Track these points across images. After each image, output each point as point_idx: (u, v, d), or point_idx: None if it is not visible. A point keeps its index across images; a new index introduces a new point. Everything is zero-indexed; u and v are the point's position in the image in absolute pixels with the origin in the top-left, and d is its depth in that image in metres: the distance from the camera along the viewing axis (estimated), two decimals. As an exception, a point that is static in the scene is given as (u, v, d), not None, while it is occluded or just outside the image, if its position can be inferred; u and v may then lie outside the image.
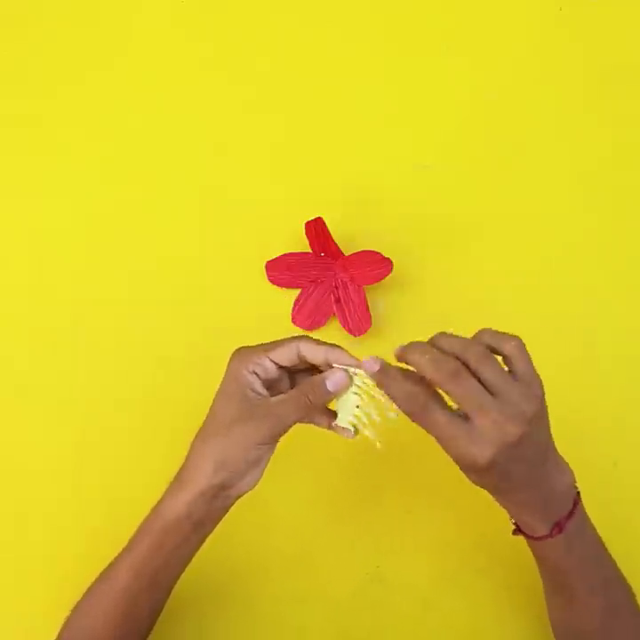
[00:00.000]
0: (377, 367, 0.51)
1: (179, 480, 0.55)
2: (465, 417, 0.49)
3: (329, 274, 0.72)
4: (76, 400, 0.71)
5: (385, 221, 0.74)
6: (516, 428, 0.48)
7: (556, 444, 0.72)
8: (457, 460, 0.51)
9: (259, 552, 0.69)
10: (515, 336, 0.52)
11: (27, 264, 0.74)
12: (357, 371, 0.52)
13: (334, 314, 0.72)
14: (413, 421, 0.51)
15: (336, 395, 0.53)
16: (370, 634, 0.68)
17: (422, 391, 0.50)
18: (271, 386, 0.55)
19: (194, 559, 0.64)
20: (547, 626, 0.62)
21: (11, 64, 0.77)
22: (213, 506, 0.54)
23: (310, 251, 0.72)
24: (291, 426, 0.53)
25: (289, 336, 0.55)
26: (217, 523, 0.57)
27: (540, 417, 0.50)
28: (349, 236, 0.72)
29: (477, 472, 0.51)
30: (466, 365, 0.49)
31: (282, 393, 0.54)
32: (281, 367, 0.54)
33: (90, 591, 0.60)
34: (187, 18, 0.78)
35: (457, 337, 0.51)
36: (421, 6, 0.78)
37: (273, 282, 0.73)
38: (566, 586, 0.57)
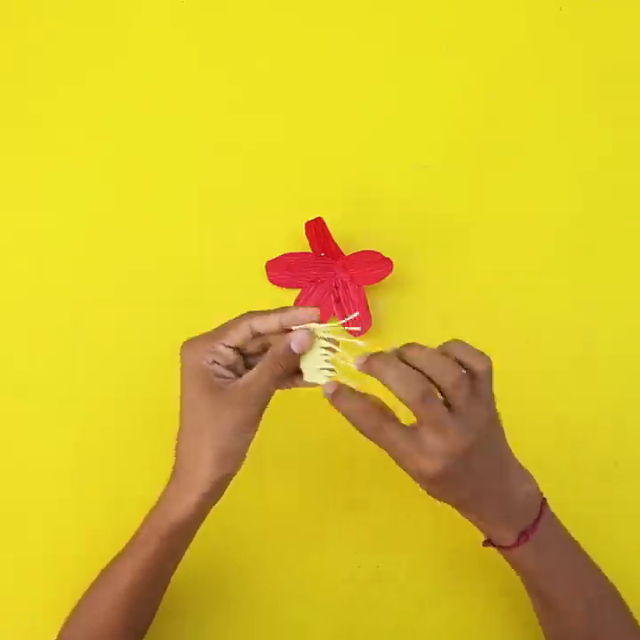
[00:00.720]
0: (331, 390, 0.52)
1: (179, 482, 0.54)
2: (414, 428, 0.51)
3: (329, 274, 0.72)
4: (76, 400, 0.71)
5: (385, 221, 0.74)
6: (464, 439, 0.50)
7: (555, 444, 0.72)
8: (410, 473, 0.52)
9: (258, 552, 0.69)
10: (486, 356, 0.52)
11: (26, 264, 0.74)
12: (315, 326, 0.52)
13: (334, 314, 0.72)
14: (367, 438, 0.52)
15: (302, 354, 0.52)
16: (369, 633, 0.68)
17: (374, 411, 0.51)
18: (231, 369, 0.54)
19: (190, 561, 0.64)
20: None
21: (11, 64, 0.77)
22: (218, 496, 0.54)
23: (310, 251, 0.72)
24: (269, 396, 0.53)
25: (235, 317, 0.54)
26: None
27: (490, 430, 0.52)
28: (349, 236, 0.72)
29: (431, 483, 0.52)
30: (436, 385, 0.50)
31: (241, 374, 0.54)
32: (236, 349, 0.53)
33: (90, 591, 0.60)
34: (187, 18, 0.78)
35: (429, 352, 0.51)
36: (421, 6, 0.78)
37: (273, 282, 0.73)
38: (545, 593, 0.57)
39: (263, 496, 0.70)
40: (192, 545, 0.62)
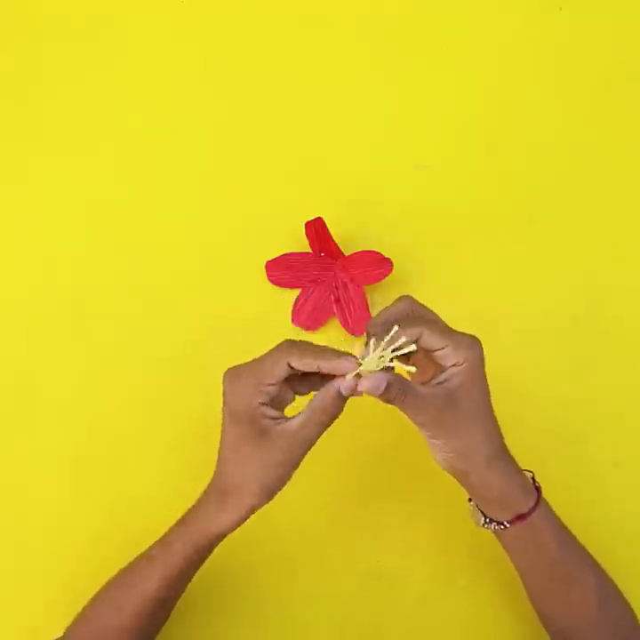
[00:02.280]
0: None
1: (223, 500, 0.55)
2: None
3: (329, 274, 0.72)
4: (75, 400, 0.71)
5: (385, 221, 0.74)
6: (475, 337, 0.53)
7: (556, 444, 0.72)
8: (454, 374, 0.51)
9: (259, 551, 0.69)
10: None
11: (27, 264, 0.74)
12: (361, 364, 0.51)
13: (334, 314, 0.72)
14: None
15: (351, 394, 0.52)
16: (370, 631, 0.68)
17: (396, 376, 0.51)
18: (279, 400, 0.54)
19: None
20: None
21: (11, 64, 0.77)
22: (241, 521, 0.56)
23: (310, 251, 0.72)
24: (313, 444, 0.54)
25: (275, 348, 0.53)
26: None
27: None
28: (349, 236, 0.72)
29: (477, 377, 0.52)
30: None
31: (286, 405, 0.54)
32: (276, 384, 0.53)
33: (110, 593, 0.59)
34: (187, 18, 0.78)
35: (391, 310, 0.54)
36: (421, 6, 0.78)
37: (273, 282, 0.73)
38: (559, 562, 0.57)
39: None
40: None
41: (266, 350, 0.53)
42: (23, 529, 0.69)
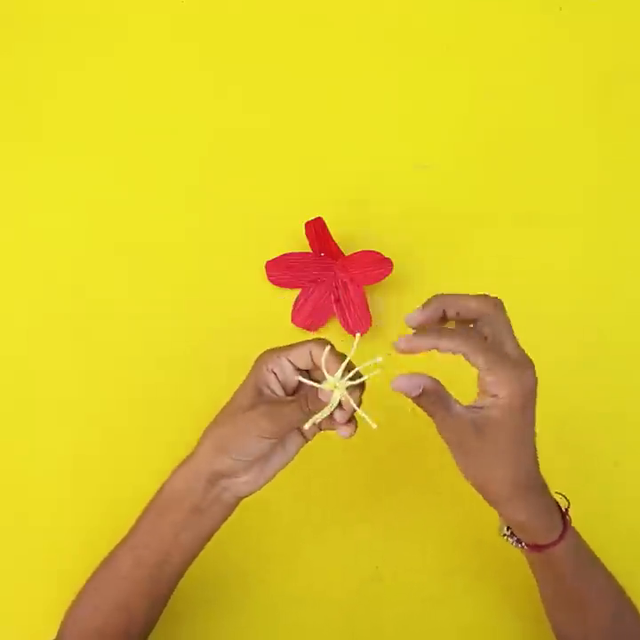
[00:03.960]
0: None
1: (182, 462, 0.55)
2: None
3: (329, 274, 0.72)
4: (76, 400, 0.71)
5: (385, 221, 0.74)
6: (530, 366, 0.50)
7: (556, 444, 0.72)
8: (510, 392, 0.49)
9: (258, 552, 0.69)
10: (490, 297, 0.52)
11: (27, 264, 0.74)
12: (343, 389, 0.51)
13: (334, 314, 0.72)
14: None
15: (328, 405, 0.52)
16: (369, 633, 0.68)
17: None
18: (293, 393, 0.55)
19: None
20: (545, 625, 0.63)
21: (10, 64, 0.77)
22: (210, 493, 0.54)
23: (310, 251, 0.72)
24: (290, 426, 0.53)
25: (310, 339, 0.54)
26: (217, 520, 0.56)
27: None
28: (349, 236, 0.72)
29: (525, 404, 0.50)
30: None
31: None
32: (299, 369, 0.54)
33: (92, 578, 0.60)
34: (187, 18, 0.78)
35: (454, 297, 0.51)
36: (421, 6, 0.78)
37: (273, 282, 0.73)
38: (579, 593, 0.57)
39: (263, 496, 0.70)
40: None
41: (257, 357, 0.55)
42: (23, 529, 0.69)
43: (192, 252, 0.74)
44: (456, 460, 0.52)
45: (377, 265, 0.70)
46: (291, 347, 0.53)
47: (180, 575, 0.59)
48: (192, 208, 0.75)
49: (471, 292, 0.68)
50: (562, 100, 0.77)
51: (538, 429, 0.70)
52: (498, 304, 0.51)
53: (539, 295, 0.74)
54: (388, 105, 0.77)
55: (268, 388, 0.54)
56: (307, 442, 0.56)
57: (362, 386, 0.52)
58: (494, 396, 0.49)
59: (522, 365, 0.50)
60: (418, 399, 0.50)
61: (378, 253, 0.70)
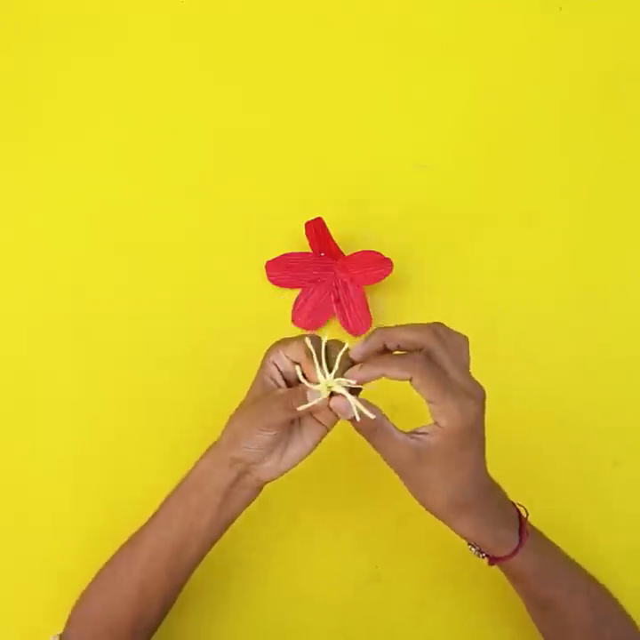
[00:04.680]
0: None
1: (210, 446, 0.57)
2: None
3: (329, 274, 0.72)
4: (76, 400, 0.71)
5: (385, 221, 0.74)
6: (480, 391, 0.51)
7: (556, 444, 0.72)
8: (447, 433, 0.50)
9: (257, 552, 0.69)
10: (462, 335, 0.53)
11: (27, 264, 0.74)
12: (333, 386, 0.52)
13: (334, 314, 0.72)
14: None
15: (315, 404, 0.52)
16: (368, 634, 0.68)
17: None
18: (295, 382, 0.55)
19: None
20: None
21: (10, 63, 0.77)
22: (232, 476, 0.55)
23: (310, 251, 0.72)
24: (281, 421, 0.53)
25: (307, 333, 0.56)
26: (239, 504, 0.57)
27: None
28: (349, 236, 0.72)
29: (469, 435, 0.51)
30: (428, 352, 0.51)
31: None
32: (297, 363, 0.54)
33: (110, 562, 0.60)
34: (187, 18, 0.78)
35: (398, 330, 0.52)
36: (421, 6, 0.78)
37: (273, 282, 0.73)
38: (548, 594, 0.58)
39: (263, 496, 0.70)
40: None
41: (265, 350, 0.56)
42: (23, 529, 0.69)
43: (192, 252, 0.74)
44: (402, 481, 0.54)
45: (377, 265, 0.70)
46: (289, 341, 0.55)
47: (196, 565, 0.59)
48: (192, 208, 0.75)
49: (470, 293, 0.68)
50: (562, 99, 0.77)
51: (538, 429, 0.71)
52: (439, 332, 0.52)
53: (538, 295, 0.74)
54: (388, 105, 0.77)
55: (271, 379, 0.55)
56: (327, 430, 0.56)
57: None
58: (436, 423, 0.50)
59: (464, 395, 0.50)
60: (356, 425, 0.51)
61: (378, 253, 0.70)
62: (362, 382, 0.51)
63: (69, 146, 0.76)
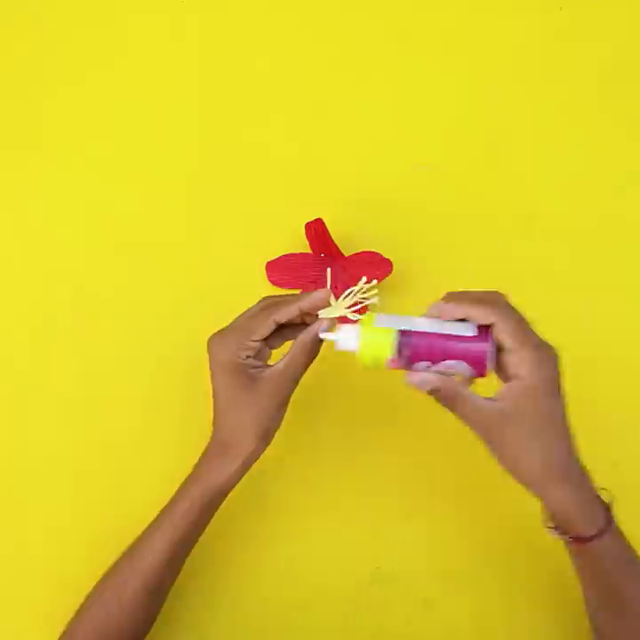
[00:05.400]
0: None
1: (224, 455, 0.58)
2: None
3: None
4: (76, 400, 0.71)
5: (385, 221, 0.74)
6: (554, 356, 0.52)
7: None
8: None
9: (259, 552, 0.69)
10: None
11: (27, 264, 0.74)
12: (333, 309, 0.56)
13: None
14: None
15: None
16: (370, 634, 0.68)
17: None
18: (260, 357, 0.58)
19: (192, 562, 0.64)
20: (546, 625, 0.63)
21: (10, 64, 0.77)
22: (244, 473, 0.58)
23: (310, 251, 0.72)
24: (301, 375, 0.57)
25: (254, 306, 0.58)
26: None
27: None
28: (349, 237, 0.72)
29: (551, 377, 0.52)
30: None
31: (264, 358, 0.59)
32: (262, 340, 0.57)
33: (115, 572, 0.60)
34: (187, 18, 0.78)
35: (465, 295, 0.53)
36: (421, 6, 0.78)
37: (273, 282, 0.73)
38: (620, 588, 0.55)
39: (263, 496, 0.70)
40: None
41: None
42: (23, 529, 0.69)
43: (192, 252, 0.74)
44: (488, 449, 0.53)
45: (377, 265, 0.70)
46: (247, 327, 0.57)
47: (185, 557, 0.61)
48: (192, 208, 0.75)
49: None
50: (562, 99, 0.77)
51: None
52: (501, 295, 0.54)
53: (538, 295, 0.74)
54: (389, 105, 0.77)
55: (254, 367, 0.57)
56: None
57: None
58: (516, 377, 0.50)
59: (543, 346, 0.51)
60: (434, 395, 0.52)
61: (378, 254, 0.70)
62: (439, 316, 0.52)
63: (70, 146, 0.76)
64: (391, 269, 0.70)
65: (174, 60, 0.77)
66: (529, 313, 0.73)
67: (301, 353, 0.56)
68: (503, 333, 0.50)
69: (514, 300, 0.72)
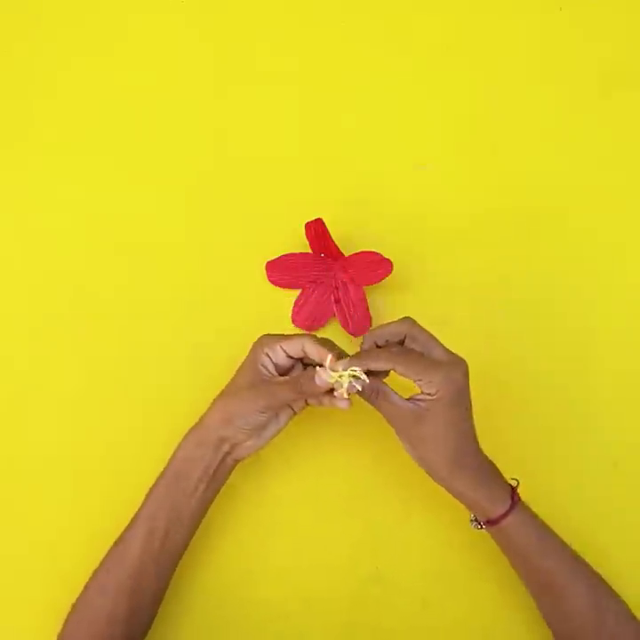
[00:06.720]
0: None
1: (191, 431, 0.62)
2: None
3: (329, 274, 0.72)
4: (76, 400, 0.71)
5: (385, 221, 0.74)
6: (458, 369, 0.58)
7: (556, 444, 0.72)
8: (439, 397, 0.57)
9: (258, 552, 0.69)
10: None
11: (27, 265, 0.74)
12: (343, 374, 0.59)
13: (334, 314, 0.72)
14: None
15: (323, 388, 0.58)
16: (369, 634, 0.68)
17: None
18: (284, 371, 0.63)
19: (192, 561, 0.64)
20: (546, 625, 0.63)
21: (10, 63, 0.76)
22: (217, 458, 0.61)
23: (310, 251, 0.72)
24: (284, 403, 0.61)
25: (302, 334, 0.63)
26: (220, 484, 0.63)
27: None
28: (349, 237, 0.72)
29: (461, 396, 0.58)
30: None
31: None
32: (290, 356, 0.61)
33: (103, 561, 0.62)
34: (187, 18, 0.78)
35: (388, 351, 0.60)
36: (421, 6, 0.78)
37: (273, 282, 0.73)
38: (543, 570, 0.60)
39: (263, 496, 0.70)
40: (191, 545, 0.63)
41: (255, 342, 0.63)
42: (23, 529, 0.69)
43: (192, 252, 0.74)
44: (402, 442, 0.61)
45: (377, 265, 0.70)
46: (285, 337, 0.61)
47: (182, 551, 0.62)
48: (192, 208, 0.75)
49: (470, 293, 0.69)
50: (562, 99, 0.77)
51: (538, 429, 0.71)
52: (412, 321, 0.61)
53: (538, 295, 0.74)
54: (388, 105, 0.77)
55: (264, 367, 0.61)
56: (295, 414, 0.64)
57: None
58: (428, 394, 0.57)
59: (450, 365, 0.58)
60: (360, 394, 0.59)
61: (378, 254, 0.70)
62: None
63: (70, 146, 0.76)
64: (391, 269, 0.70)
65: (174, 59, 0.77)
66: (529, 312, 0.74)
67: (294, 381, 0.60)
68: (406, 373, 0.58)
69: (514, 299, 0.73)
